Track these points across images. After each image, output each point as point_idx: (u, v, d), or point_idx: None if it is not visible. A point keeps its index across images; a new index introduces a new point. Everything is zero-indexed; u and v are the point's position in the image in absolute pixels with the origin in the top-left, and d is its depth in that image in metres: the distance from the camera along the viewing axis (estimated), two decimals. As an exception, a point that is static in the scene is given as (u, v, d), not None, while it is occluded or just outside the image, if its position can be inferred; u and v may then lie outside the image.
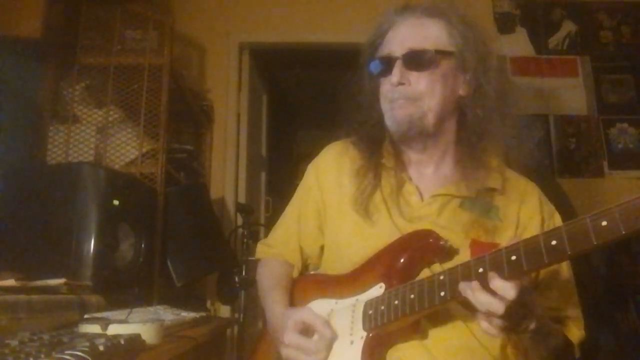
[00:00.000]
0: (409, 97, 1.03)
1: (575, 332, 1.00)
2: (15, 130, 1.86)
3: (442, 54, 1.03)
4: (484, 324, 0.81)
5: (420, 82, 1.02)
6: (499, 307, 0.77)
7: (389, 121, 1.06)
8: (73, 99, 2.09)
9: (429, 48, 1.02)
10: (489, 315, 0.79)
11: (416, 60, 1.02)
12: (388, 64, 1.05)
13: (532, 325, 0.84)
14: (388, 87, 1.05)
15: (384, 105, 1.08)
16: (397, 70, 1.02)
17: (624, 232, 0.68)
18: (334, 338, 0.96)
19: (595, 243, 0.71)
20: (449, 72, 1.04)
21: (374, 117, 1.12)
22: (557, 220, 1.06)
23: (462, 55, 1.04)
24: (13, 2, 1.73)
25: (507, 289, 0.76)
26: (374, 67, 1.08)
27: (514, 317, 0.80)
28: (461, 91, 1.07)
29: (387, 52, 1.06)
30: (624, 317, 2.42)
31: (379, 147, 1.12)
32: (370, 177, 1.08)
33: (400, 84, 1.02)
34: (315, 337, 0.95)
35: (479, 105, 1.05)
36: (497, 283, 0.77)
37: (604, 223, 0.70)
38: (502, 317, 0.78)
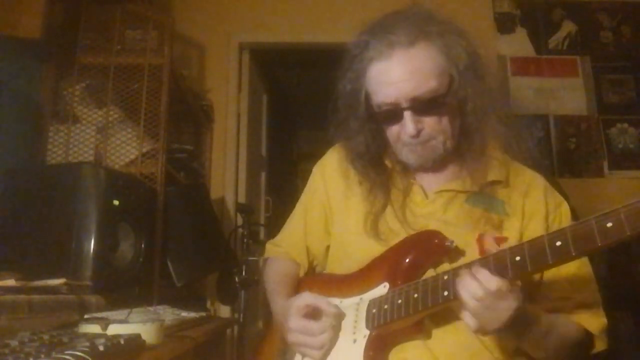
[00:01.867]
0: (426, 140, 1.00)
1: (594, 322, 0.99)
2: (15, 130, 1.86)
3: (447, 88, 0.98)
4: (466, 316, 0.82)
5: (433, 123, 0.99)
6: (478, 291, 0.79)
7: (406, 159, 1.04)
8: (73, 99, 2.09)
9: (435, 92, 0.96)
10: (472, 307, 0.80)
11: (426, 107, 0.97)
12: (394, 115, 0.99)
13: (530, 333, 0.86)
14: (401, 134, 1.01)
15: (395, 145, 1.04)
16: (410, 122, 0.97)
17: (629, 234, 0.69)
18: (340, 315, 0.96)
19: (600, 244, 0.71)
20: (453, 97, 1.00)
21: (371, 140, 1.09)
22: (564, 211, 1.05)
23: (459, 71, 0.99)
24: (13, 2, 1.73)
25: (491, 280, 0.79)
26: (376, 119, 1.03)
27: (506, 321, 0.81)
28: (464, 102, 1.04)
29: (386, 103, 0.99)
30: (624, 317, 2.42)
31: (379, 155, 1.11)
32: (379, 194, 1.07)
33: (417, 131, 0.98)
34: (323, 318, 0.96)
35: (477, 103, 1.03)
36: (485, 277, 0.80)
37: (609, 224, 0.70)
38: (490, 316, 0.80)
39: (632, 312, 2.42)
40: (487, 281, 0.79)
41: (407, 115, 0.97)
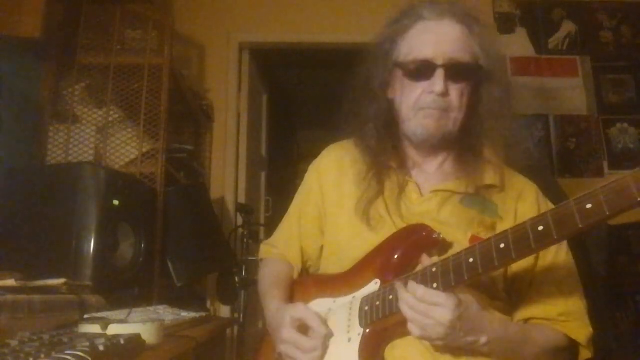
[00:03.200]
0: (444, 108, 1.02)
1: (580, 331, 0.99)
2: (15, 130, 1.86)
3: (479, 68, 1.03)
4: (409, 325, 0.86)
5: (456, 94, 1.02)
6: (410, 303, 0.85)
7: (415, 128, 1.04)
8: (73, 99, 2.09)
9: (471, 62, 1.02)
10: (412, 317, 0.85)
11: (458, 72, 1.01)
12: (426, 69, 1.02)
13: (484, 339, 0.87)
14: (424, 95, 1.02)
15: (409, 111, 1.05)
16: (440, 80, 1.00)
17: (608, 214, 0.69)
18: (329, 335, 0.97)
19: (580, 226, 0.72)
20: (476, 84, 1.05)
21: (379, 116, 1.10)
22: None
23: (486, 67, 1.04)
24: (13, 2, 1.73)
25: (418, 289, 0.84)
26: (407, 68, 1.04)
27: (455, 331, 0.83)
28: (479, 99, 1.07)
29: (423, 55, 1.02)
30: (624, 317, 2.42)
31: (382, 147, 1.11)
32: (373, 182, 1.08)
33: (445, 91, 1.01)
34: (311, 333, 0.96)
35: (488, 106, 1.06)
36: (412, 286, 0.85)
37: (589, 206, 0.71)
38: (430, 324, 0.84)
39: (632, 312, 2.42)
40: (415, 290, 0.85)
41: (439, 72, 1.00)
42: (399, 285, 0.88)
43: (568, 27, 3.25)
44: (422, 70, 1.02)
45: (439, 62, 1.00)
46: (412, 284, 0.86)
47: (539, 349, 0.96)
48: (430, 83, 1.01)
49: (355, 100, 1.14)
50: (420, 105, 1.03)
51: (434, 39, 1.02)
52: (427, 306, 0.83)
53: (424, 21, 1.05)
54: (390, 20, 1.11)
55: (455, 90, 1.02)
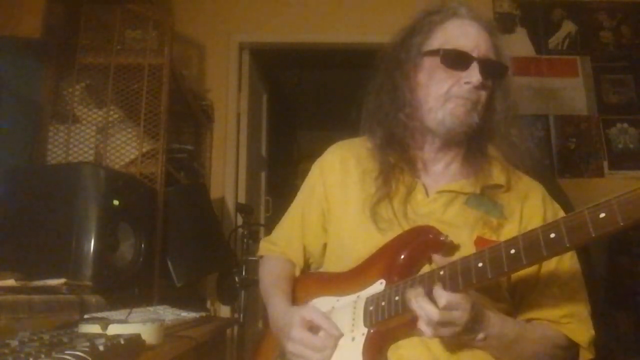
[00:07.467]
0: (475, 100, 1.03)
1: (582, 333, 0.99)
2: (15, 130, 1.86)
3: (506, 69, 1.07)
4: (422, 325, 0.85)
5: (487, 90, 1.04)
6: (433, 314, 0.82)
7: (443, 116, 1.03)
8: (73, 99, 2.09)
9: (505, 64, 1.07)
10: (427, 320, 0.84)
11: (490, 69, 1.03)
12: (463, 60, 1.03)
13: (481, 335, 0.88)
14: (457, 85, 1.03)
15: (437, 100, 1.04)
16: (477, 72, 1.01)
17: (622, 224, 0.69)
18: (340, 335, 0.97)
19: (593, 235, 0.71)
20: (494, 86, 1.07)
21: (406, 104, 1.09)
22: None
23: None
24: (13, 2, 1.73)
25: (442, 296, 0.82)
26: (444, 56, 1.04)
27: (461, 327, 0.84)
28: (494, 104, 1.09)
29: (461, 46, 1.03)
30: (624, 317, 2.42)
31: (393, 146, 1.11)
32: (381, 183, 1.07)
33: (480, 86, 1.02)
34: (322, 333, 0.96)
35: (498, 110, 1.07)
36: (437, 293, 0.83)
37: (602, 215, 0.70)
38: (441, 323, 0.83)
39: (632, 312, 2.42)
40: (439, 296, 0.83)
41: (475, 65, 1.02)
42: (418, 292, 0.86)
43: (568, 27, 3.25)
44: (459, 60, 1.03)
45: (475, 54, 1.02)
46: (437, 290, 0.84)
47: (537, 347, 0.96)
48: (466, 74, 1.02)
49: (378, 92, 1.13)
50: (453, 94, 1.02)
51: (471, 33, 1.05)
52: (446, 311, 0.83)
53: (459, 17, 1.07)
54: (420, 14, 1.12)
55: (486, 87, 1.04)
